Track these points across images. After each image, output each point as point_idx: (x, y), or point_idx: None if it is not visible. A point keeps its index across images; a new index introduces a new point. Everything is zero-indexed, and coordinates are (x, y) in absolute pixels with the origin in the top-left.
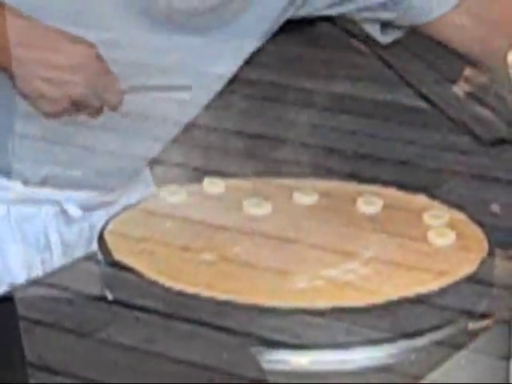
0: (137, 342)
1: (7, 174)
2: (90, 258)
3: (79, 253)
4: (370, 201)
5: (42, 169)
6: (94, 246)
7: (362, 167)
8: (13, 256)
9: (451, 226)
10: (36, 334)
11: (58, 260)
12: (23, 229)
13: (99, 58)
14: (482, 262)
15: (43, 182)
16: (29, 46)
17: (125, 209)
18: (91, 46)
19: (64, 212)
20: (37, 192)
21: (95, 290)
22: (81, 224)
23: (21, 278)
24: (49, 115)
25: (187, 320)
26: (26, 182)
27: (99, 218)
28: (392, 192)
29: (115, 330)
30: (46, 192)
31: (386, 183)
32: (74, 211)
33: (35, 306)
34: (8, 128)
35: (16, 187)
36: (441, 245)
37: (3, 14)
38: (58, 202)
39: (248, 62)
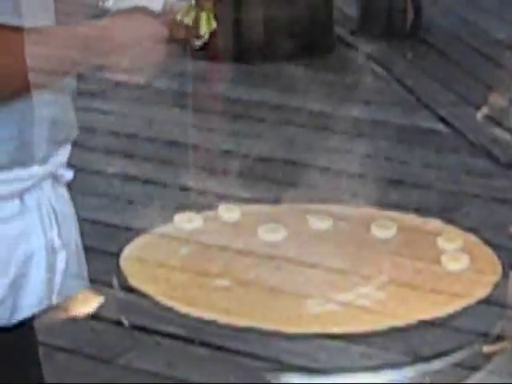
0: (157, 367)
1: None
2: (109, 283)
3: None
4: (385, 225)
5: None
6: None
7: (380, 191)
8: (36, 247)
9: (465, 249)
10: (56, 360)
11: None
12: (41, 214)
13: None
14: (496, 285)
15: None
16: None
17: (140, 234)
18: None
19: (56, 178)
20: (42, 170)
21: (115, 315)
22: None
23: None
24: None
25: (206, 345)
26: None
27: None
28: (406, 216)
29: (135, 355)
30: (46, 166)
31: (403, 206)
32: (66, 174)
33: (55, 332)
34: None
35: (34, 170)
36: (454, 268)
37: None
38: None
39: (266, 87)
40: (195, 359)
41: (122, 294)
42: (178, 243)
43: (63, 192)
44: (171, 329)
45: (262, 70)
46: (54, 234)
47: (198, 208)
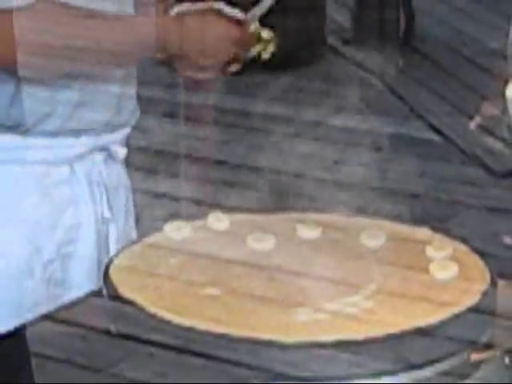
0: (148, 377)
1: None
2: (100, 293)
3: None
4: (374, 234)
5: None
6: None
7: (372, 200)
8: (85, 215)
9: (454, 258)
10: (48, 370)
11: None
12: (90, 184)
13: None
14: (485, 293)
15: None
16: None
17: (130, 244)
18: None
19: (110, 154)
20: (92, 142)
21: (105, 325)
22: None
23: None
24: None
25: (197, 354)
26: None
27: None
28: (395, 225)
29: (127, 365)
30: (97, 140)
31: (396, 216)
32: (120, 151)
33: (46, 341)
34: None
35: (84, 140)
36: (443, 277)
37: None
38: (104, 147)
39: (255, 96)
40: (186, 368)
41: (111, 304)
42: (167, 252)
43: (118, 169)
44: (162, 338)
45: (252, 79)
46: (104, 205)
47: (188, 217)
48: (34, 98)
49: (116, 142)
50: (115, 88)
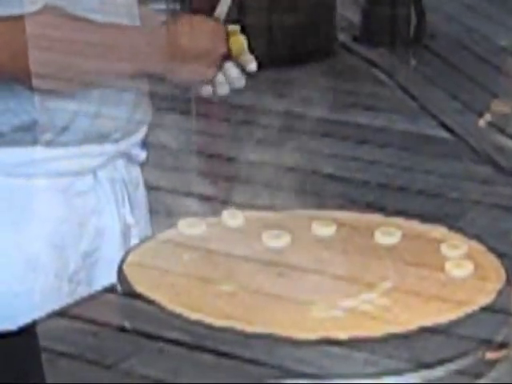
0: (159, 374)
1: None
2: (111, 289)
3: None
4: (389, 232)
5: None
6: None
7: (383, 197)
8: (109, 222)
9: (469, 256)
10: (59, 366)
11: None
12: (114, 190)
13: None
14: (500, 292)
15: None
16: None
17: (144, 241)
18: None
19: (130, 158)
20: (114, 148)
21: (118, 321)
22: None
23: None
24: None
25: (209, 351)
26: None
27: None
28: (410, 223)
29: (138, 361)
30: (118, 145)
31: (407, 213)
32: (140, 154)
33: (58, 337)
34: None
35: (107, 148)
36: (458, 275)
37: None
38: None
39: (267, 92)
40: (199, 365)
41: (125, 300)
42: (181, 249)
43: (137, 172)
44: (174, 335)
45: (263, 75)
46: (127, 210)
47: (202, 214)
48: (51, 110)
49: (136, 145)
50: (129, 91)
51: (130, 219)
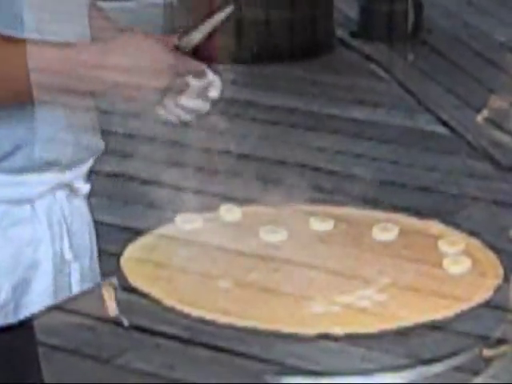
0: (156, 368)
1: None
2: (108, 283)
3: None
4: (386, 227)
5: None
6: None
7: (381, 193)
8: (43, 255)
9: (467, 252)
10: (55, 360)
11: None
12: (51, 223)
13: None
14: (498, 288)
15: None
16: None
17: (141, 235)
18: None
19: (72, 190)
20: (56, 179)
21: (114, 315)
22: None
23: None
24: None
25: (206, 346)
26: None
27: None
28: (408, 219)
29: (135, 356)
30: (60, 176)
31: (404, 208)
32: (83, 187)
33: (54, 332)
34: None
35: (48, 177)
36: (456, 272)
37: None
38: (67, 184)
39: (266, 88)
40: (195, 360)
41: (122, 295)
42: (178, 244)
43: (80, 204)
44: (171, 330)
45: (261, 71)
46: (65, 245)
47: (199, 209)
48: None
49: (79, 177)
50: (76, 122)
51: (67, 254)
